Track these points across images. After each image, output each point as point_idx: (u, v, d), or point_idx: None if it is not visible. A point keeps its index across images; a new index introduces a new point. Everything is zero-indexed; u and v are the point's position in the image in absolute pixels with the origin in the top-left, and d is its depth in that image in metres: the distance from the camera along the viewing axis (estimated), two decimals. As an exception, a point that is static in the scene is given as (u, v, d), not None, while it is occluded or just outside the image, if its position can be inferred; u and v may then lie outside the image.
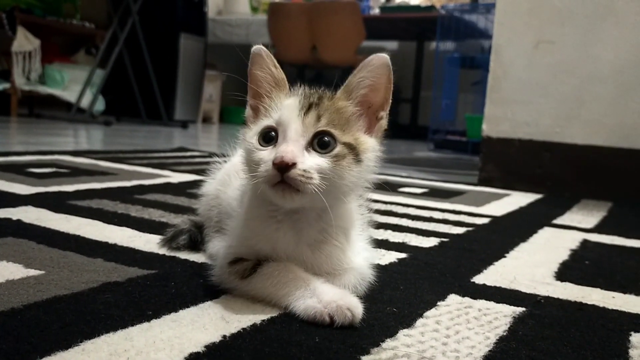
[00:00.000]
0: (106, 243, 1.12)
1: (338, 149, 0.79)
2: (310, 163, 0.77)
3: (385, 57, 0.82)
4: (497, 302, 0.94)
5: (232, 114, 7.57)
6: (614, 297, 1.01)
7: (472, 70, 5.63)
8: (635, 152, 2.42)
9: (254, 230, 0.86)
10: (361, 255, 0.90)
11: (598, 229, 1.72)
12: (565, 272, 1.16)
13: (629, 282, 1.14)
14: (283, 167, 0.76)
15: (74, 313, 0.75)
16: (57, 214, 1.32)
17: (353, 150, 0.80)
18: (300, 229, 0.84)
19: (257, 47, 0.86)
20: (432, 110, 5.41)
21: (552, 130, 2.56)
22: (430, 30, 5.94)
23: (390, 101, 0.85)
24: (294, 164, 0.76)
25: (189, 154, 3.06)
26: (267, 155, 0.79)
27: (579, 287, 1.07)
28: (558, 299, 0.98)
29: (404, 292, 0.96)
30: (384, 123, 0.86)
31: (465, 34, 5.19)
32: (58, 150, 2.64)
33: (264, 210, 0.85)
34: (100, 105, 5.47)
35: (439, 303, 0.91)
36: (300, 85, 0.87)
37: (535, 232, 1.60)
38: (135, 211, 1.44)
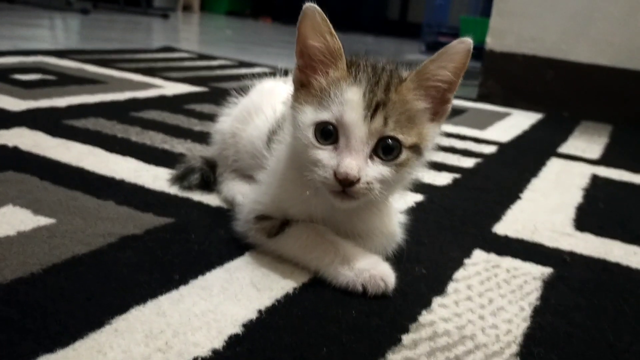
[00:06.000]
0: (113, 179, 1.07)
1: (403, 155, 0.72)
2: (374, 174, 0.71)
3: (469, 43, 0.72)
4: (524, 259, 0.93)
5: (213, 2, 7.23)
6: (635, 253, 1.01)
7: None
8: (640, 74, 2.37)
9: (289, 193, 0.81)
10: (394, 218, 0.86)
11: (604, 160, 1.71)
12: (583, 220, 1.15)
13: (646, 232, 1.13)
14: (347, 184, 0.69)
15: (98, 279, 0.71)
16: (54, 139, 1.25)
17: (417, 149, 0.73)
18: None
19: (310, 7, 0.73)
20: (427, 6, 5.21)
21: (558, 47, 2.48)
22: None
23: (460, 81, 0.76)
24: (358, 180, 0.69)
25: (176, 55, 2.92)
26: (327, 158, 0.71)
27: (599, 239, 1.06)
28: (582, 256, 0.97)
29: (429, 248, 0.94)
30: (449, 107, 0.77)
31: None
32: (41, 49, 2.48)
33: (301, 176, 0.78)
34: (76, -9, 5.14)
35: (465, 261, 0.89)
36: (359, 62, 0.76)
37: (543, 164, 1.58)
38: (135, 135, 1.37)
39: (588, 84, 2.46)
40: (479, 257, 0.92)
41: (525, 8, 2.51)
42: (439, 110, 0.77)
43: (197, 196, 1.04)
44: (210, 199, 1.03)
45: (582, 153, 1.77)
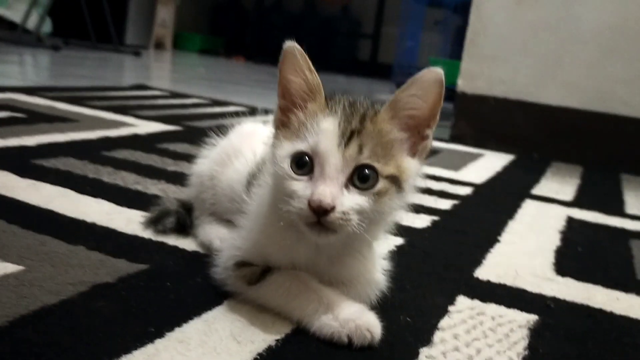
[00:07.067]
0: (84, 222, 1.03)
1: (380, 184, 0.70)
2: (350, 204, 0.69)
3: (439, 72, 0.71)
4: (508, 306, 0.91)
5: (186, 40, 7.26)
6: (618, 299, 1.00)
7: (438, 10, 5.54)
8: (609, 117, 2.43)
9: (272, 238, 0.78)
10: (378, 264, 0.84)
11: (578, 202, 1.72)
12: (562, 264, 1.14)
13: (625, 276, 1.13)
14: (321, 212, 0.68)
15: (69, 332, 0.67)
16: (23, 180, 1.20)
17: (395, 181, 0.72)
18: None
19: (290, 46, 0.73)
20: (398, 48, 5.30)
21: (528, 90, 2.53)
22: (397, -34, 5.76)
23: (438, 118, 0.76)
24: (332, 208, 0.68)
25: (149, 92, 2.89)
26: (301, 189, 0.70)
27: (581, 284, 1.05)
28: (565, 302, 0.96)
29: (412, 294, 0.92)
30: (429, 143, 0.76)
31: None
32: (10, 86, 2.43)
33: (284, 219, 0.76)
34: (47, 27, 5.11)
35: (450, 308, 0.88)
36: (336, 97, 0.76)
37: (519, 205, 1.58)
38: (107, 175, 1.33)
39: (558, 126, 2.51)
40: (463, 304, 0.90)
41: (495, 51, 2.56)
42: (418, 145, 0.76)
43: (173, 240, 1.00)
44: (186, 244, 1.00)
45: (555, 195, 1.78)
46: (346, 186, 0.70)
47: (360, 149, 0.70)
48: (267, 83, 4.65)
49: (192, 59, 6.51)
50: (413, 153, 0.76)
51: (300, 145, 0.72)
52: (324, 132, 0.71)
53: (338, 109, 0.73)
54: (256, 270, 0.79)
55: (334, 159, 0.69)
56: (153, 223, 1.03)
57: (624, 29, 2.37)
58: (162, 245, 0.98)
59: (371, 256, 0.82)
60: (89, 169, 1.36)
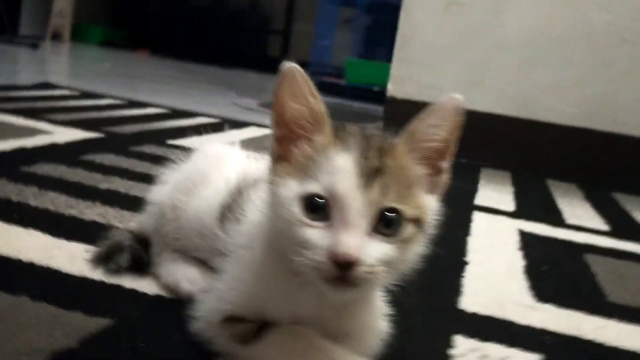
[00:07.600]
0: (19, 262, 0.87)
1: (407, 230, 0.62)
2: (377, 254, 0.60)
3: (459, 101, 0.64)
4: (507, 344, 0.86)
5: (85, 31, 6.80)
6: (604, 327, 0.98)
7: (352, 9, 5.54)
8: (533, 123, 2.48)
9: (270, 289, 0.67)
10: (380, 310, 0.75)
11: (520, 212, 1.72)
12: (538, 288, 1.11)
13: (597, 297, 1.12)
14: (346, 266, 0.58)
15: None
16: None
17: (419, 224, 0.64)
18: None
19: (290, 67, 0.63)
20: (312, 46, 5.26)
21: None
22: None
23: (455, 149, 0.68)
24: (358, 261, 0.58)
25: (57, 92, 2.64)
26: (318, 238, 0.60)
27: (563, 311, 1.02)
28: (556, 335, 0.92)
29: (408, 338, 0.84)
30: (446, 177, 0.69)
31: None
32: None
33: (284, 266, 0.66)
34: None
35: (452, 352, 0.81)
36: (345, 127, 0.67)
37: (469, 219, 1.56)
38: (33, 198, 1.16)
39: (484, 132, 2.53)
40: (463, 346, 0.84)
41: (424, 56, 2.55)
42: (435, 180, 0.69)
43: (129, 282, 0.86)
44: (147, 286, 0.86)
45: (498, 205, 1.78)
46: (370, 234, 0.61)
47: (384, 190, 0.61)
48: (178, 80, 4.44)
49: (94, 51, 6.12)
50: (430, 189, 0.68)
51: (312, 186, 0.62)
52: (341, 171, 0.61)
53: (351, 143, 0.64)
54: (251, 327, 0.68)
55: (356, 203, 0.60)
56: (103, 260, 0.89)
57: (547, 37, 2.43)
58: (119, 288, 0.84)
59: (375, 302, 0.74)
60: (11, 190, 1.18)
